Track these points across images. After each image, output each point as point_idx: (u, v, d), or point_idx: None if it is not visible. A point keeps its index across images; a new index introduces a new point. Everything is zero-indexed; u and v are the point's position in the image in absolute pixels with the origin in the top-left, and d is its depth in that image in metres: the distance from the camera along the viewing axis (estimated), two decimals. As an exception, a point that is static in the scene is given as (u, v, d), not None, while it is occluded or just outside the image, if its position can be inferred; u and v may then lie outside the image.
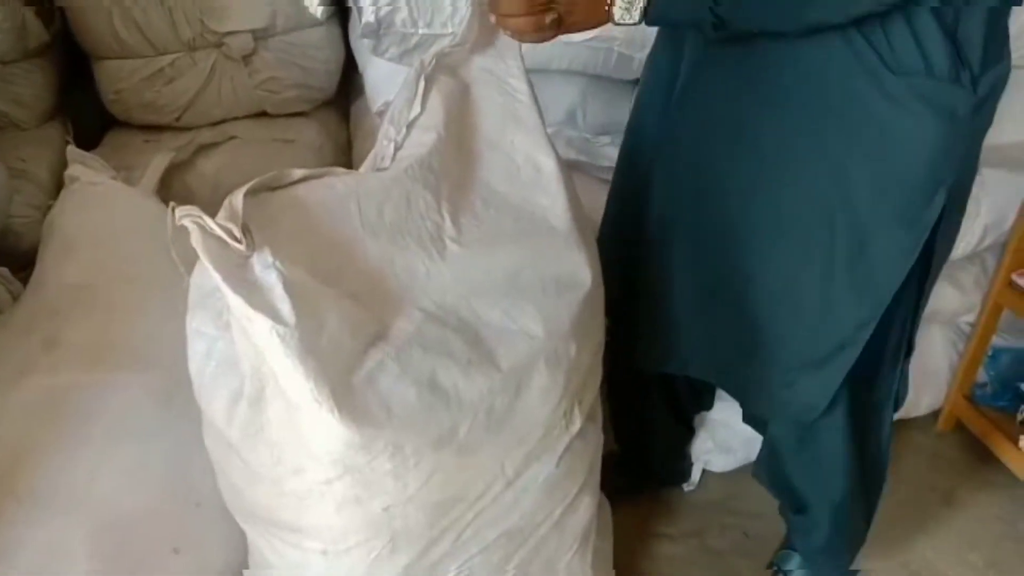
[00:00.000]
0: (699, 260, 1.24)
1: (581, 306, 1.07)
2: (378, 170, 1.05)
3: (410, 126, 1.07)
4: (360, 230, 0.98)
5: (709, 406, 1.71)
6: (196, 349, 0.95)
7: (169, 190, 1.83)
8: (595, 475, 1.22)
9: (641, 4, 0.98)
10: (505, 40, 1.16)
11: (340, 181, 1.01)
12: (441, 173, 1.06)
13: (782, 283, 1.18)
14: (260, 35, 1.93)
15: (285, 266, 0.85)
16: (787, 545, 1.59)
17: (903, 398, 1.34)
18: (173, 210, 0.84)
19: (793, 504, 1.50)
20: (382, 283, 0.97)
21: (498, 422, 0.95)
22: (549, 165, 1.14)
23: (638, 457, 1.71)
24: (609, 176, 1.96)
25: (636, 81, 1.89)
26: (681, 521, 1.73)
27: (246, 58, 1.94)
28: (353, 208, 0.98)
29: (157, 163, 1.76)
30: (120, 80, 1.93)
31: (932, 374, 1.89)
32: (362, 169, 1.07)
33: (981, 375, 1.89)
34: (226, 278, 0.82)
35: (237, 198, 0.88)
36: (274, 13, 1.90)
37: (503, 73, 1.17)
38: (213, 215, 0.86)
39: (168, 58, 1.91)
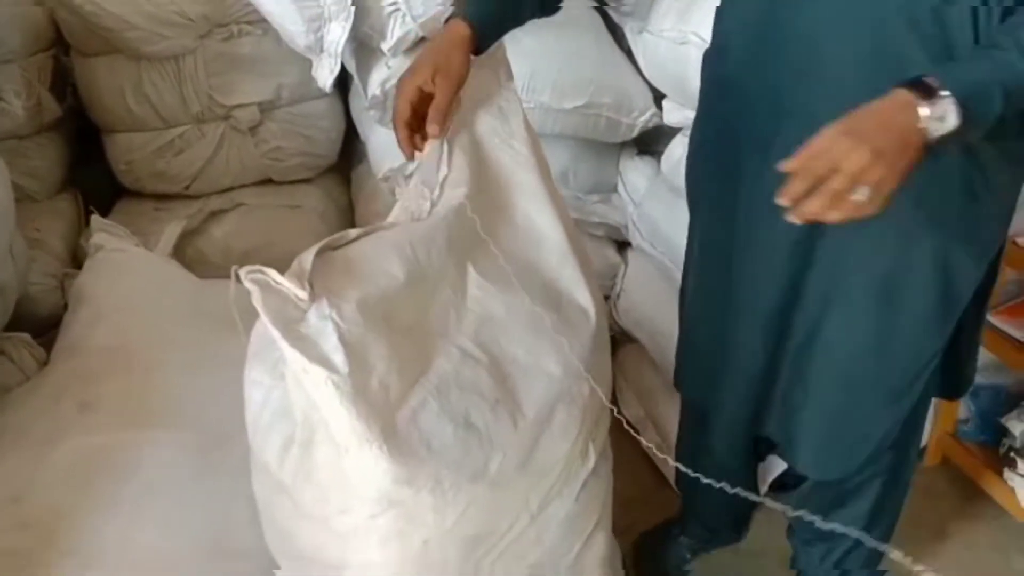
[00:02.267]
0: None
1: (589, 344, 1.15)
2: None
3: (442, 185, 1.14)
4: (409, 274, 1.03)
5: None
6: (253, 398, 1.00)
7: (183, 255, 1.90)
8: (608, 513, 1.27)
9: (954, 108, 0.84)
10: (508, 102, 1.24)
11: (391, 232, 1.08)
12: (474, 216, 1.13)
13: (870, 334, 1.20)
14: (266, 107, 2.03)
15: (340, 315, 0.92)
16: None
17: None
18: (236, 272, 0.90)
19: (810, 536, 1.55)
20: (426, 323, 1.03)
21: (524, 458, 1.02)
22: (545, 222, 1.21)
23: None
24: (599, 232, 2.07)
25: (623, 144, 2.00)
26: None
27: (253, 129, 2.03)
28: (408, 252, 1.04)
29: (171, 230, 1.84)
30: (131, 152, 2.02)
31: (918, 411, 1.95)
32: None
33: (963, 411, 1.96)
34: (284, 333, 0.88)
35: (307, 258, 0.94)
36: (279, 86, 2.01)
37: (507, 135, 1.23)
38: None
39: (178, 130, 2.00)
